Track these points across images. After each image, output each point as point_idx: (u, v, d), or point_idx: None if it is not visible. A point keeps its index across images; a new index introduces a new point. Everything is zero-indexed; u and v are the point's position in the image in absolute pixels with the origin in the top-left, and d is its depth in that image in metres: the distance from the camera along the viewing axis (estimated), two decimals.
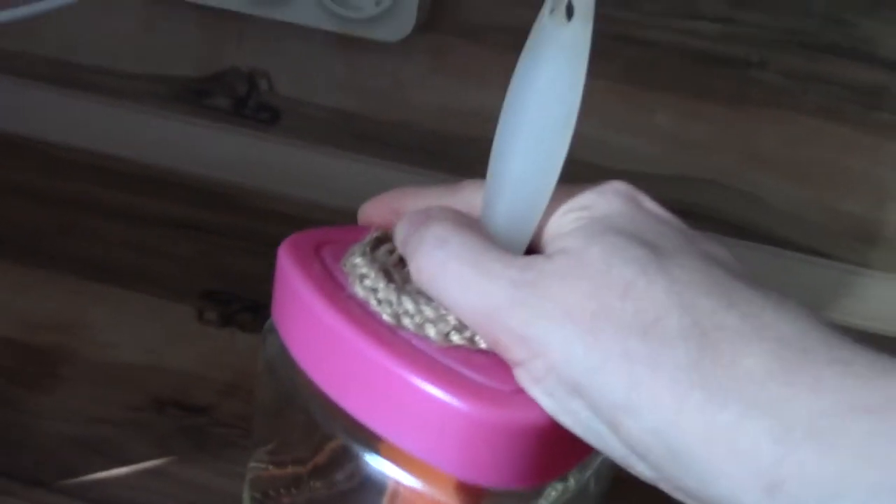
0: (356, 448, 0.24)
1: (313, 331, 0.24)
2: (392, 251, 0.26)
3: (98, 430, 0.33)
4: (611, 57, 0.49)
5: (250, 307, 0.42)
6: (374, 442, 0.24)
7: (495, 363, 0.23)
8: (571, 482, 0.25)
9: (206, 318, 0.41)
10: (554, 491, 0.24)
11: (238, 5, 0.49)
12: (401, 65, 0.51)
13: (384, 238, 0.26)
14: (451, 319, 0.23)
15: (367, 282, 0.24)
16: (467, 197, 0.26)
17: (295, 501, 0.30)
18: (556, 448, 0.22)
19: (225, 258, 0.45)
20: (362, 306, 0.24)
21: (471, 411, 0.21)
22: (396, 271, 0.25)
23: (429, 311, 0.23)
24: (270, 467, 0.30)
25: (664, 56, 0.49)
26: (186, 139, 0.53)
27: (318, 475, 0.30)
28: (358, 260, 0.25)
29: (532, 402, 0.22)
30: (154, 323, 0.40)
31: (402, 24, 0.48)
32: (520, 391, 0.22)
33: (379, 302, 0.24)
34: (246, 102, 0.53)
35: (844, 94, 0.48)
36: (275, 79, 0.53)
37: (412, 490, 0.24)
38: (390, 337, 0.23)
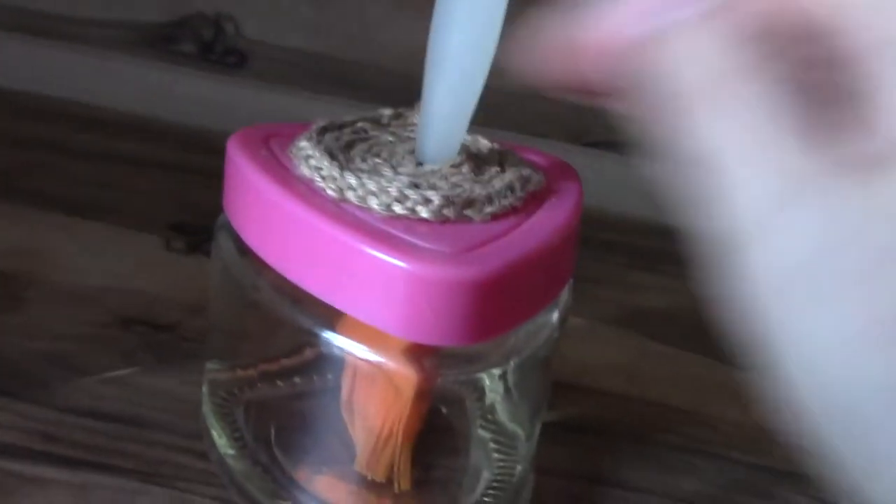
0: (311, 326, 0.25)
1: (262, 212, 0.25)
2: (338, 138, 0.26)
3: (63, 345, 0.34)
4: None
5: None
6: (327, 319, 0.25)
7: (436, 230, 0.23)
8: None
9: (174, 247, 0.41)
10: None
11: None
12: (366, 5, 0.51)
13: (330, 127, 0.27)
14: (392, 191, 0.24)
15: (312, 161, 0.25)
16: None
17: (253, 398, 0.30)
18: (497, 306, 0.23)
19: (192, 194, 0.45)
20: (308, 185, 0.25)
21: (414, 271, 0.22)
22: (341, 153, 0.25)
23: (371, 185, 0.24)
24: (227, 369, 0.30)
25: None
26: (153, 84, 0.53)
27: (275, 373, 0.31)
28: (303, 143, 0.26)
29: (473, 261, 0.22)
30: (121, 251, 0.40)
31: None
32: (460, 252, 0.23)
33: (323, 178, 0.24)
34: (212, 47, 0.54)
35: None
36: (241, 22, 0.53)
37: (369, 363, 0.25)
38: (335, 210, 0.24)
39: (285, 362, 0.30)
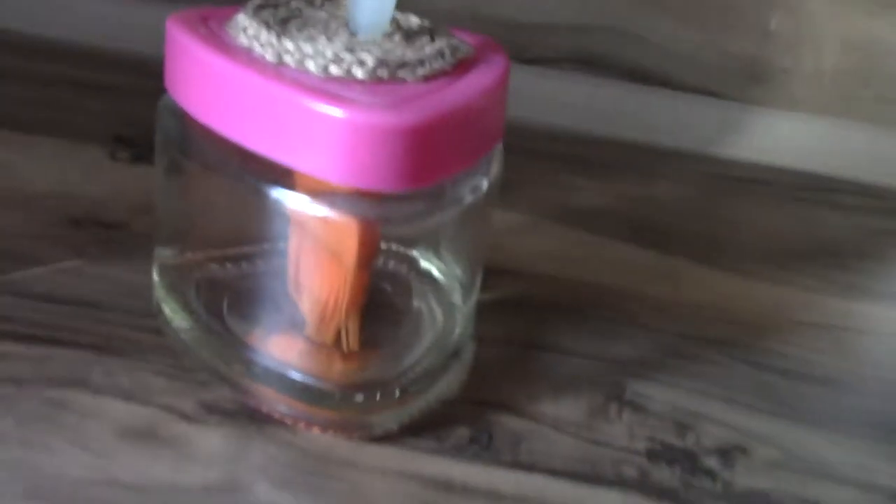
0: (257, 183, 0.26)
1: (204, 80, 0.26)
2: (274, 14, 0.28)
3: (13, 242, 0.34)
4: None
5: None
6: (273, 177, 0.26)
7: (371, 89, 0.25)
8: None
9: (119, 157, 0.42)
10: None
11: None
12: None
13: (266, 4, 0.28)
14: (328, 54, 0.25)
15: (250, 31, 0.26)
16: None
17: (203, 278, 0.31)
18: (432, 152, 0.24)
19: (133, 112, 0.46)
20: (247, 53, 0.26)
21: (354, 119, 0.23)
22: (277, 25, 0.27)
23: (308, 48, 0.25)
24: (176, 253, 0.32)
25: None
26: (91, 11, 0.54)
27: (224, 256, 0.32)
28: (241, 17, 0.27)
29: (408, 110, 0.24)
30: (65, 162, 0.41)
31: None
32: (396, 103, 0.24)
33: (261, 45, 0.26)
34: None
35: None
36: None
37: (314, 219, 0.26)
38: (275, 72, 0.25)
39: (232, 249, 0.31)
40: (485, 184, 0.28)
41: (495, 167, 0.29)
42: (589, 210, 0.44)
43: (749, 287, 0.40)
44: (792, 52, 0.52)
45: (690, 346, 0.35)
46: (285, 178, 0.26)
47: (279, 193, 0.26)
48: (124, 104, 0.47)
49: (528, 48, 0.53)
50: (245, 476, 0.26)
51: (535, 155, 0.48)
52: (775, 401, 0.33)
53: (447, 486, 0.27)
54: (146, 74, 0.50)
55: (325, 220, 0.26)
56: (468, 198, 0.28)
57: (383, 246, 0.32)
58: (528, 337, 0.34)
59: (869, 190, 0.51)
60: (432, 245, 0.32)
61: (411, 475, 0.27)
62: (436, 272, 0.32)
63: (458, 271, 0.32)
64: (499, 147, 0.29)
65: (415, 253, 0.33)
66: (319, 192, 0.25)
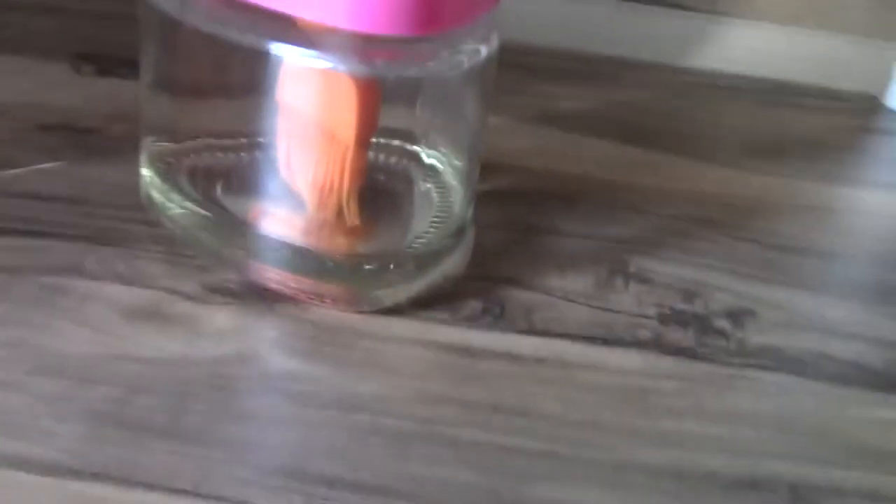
0: (261, 40, 0.25)
1: None
2: None
3: None
4: None
5: (128, 63, 0.41)
6: (272, 33, 0.25)
7: None
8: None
9: (84, 72, 0.40)
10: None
11: None
12: None
13: None
14: None
15: None
16: None
17: (195, 164, 0.30)
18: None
19: (92, 31, 0.44)
20: None
21: None
22: None
23: None
24: (166, 140, 0.30)
25: None
26: None
27: (215, 145, 0.31)
28: None
29: None
30: (31, 77, 0.39)
31: None
32: None
33: None
34: None
35: None
36: None
37: (314, 87, 0.26)
38: None
39: (225, 132, 0.30)
40: (484, 50, 0.28)
41: (493, 37, 0.28)
42: (567, 113, 0.44)
43: (733, 176, 0.40)
44: None
45: (686, 227, 0.35)
46: (284, 34, 0.25)
47: (279, 47, 0.25)
48: (81, 24, 0.45)
49: None
50: (258, 348, 0.25)
51: (511, 67, 0.47)
52: (776, 271, 0.33)
53: (467, 351, 0.27)
54: None
55: (325, 87, 0.25)
56: (466, 62, 0.27)
57: (382, 141, 0.31)
58: (526, 222, 0.34)
59: (832, 93, 0.51)
60: (428, 130, 0.31)
61: (428, 342, 0.27)
62: (434, 161, 0.32)
63: (453, 156, 0.31)
64: (497, 19, 0.28)
65: (413, 143, 0.32)
66: (321, 44, 0.24)
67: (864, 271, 0.35)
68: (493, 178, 0.36)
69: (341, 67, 0.25)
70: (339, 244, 0.28)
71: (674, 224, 0.35)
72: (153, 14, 0.28)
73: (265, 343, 0.26)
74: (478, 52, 0.27)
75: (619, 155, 0.40)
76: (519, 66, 0.48)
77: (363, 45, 0.24)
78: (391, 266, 0.28)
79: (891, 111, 0.51)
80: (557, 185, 0.37)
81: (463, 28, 0.26)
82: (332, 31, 0.24)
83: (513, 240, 0.33)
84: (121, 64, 0.41)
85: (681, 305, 0.30)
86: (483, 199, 0.32)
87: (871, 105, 0.51)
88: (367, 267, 0.28)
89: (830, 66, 0.54)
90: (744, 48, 0.54)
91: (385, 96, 0.27)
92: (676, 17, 0.54)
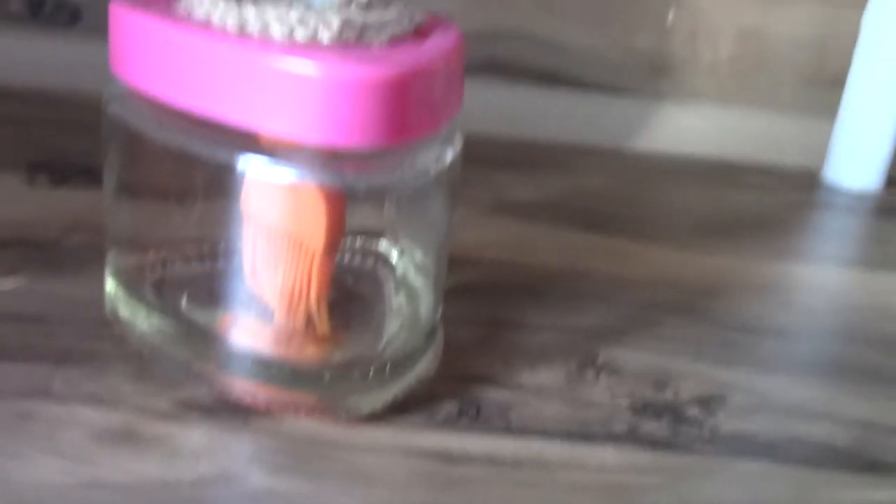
0: (224, 153, 0.25)
1: (165, 56, 0.25)
2: None
3: None
4: None
5: (82, 171, 0.41)
6: (238, 146, 0.25)
7: (338, 51, 0.24)
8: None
9: (38, 182, 0.40)
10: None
11: None
12: None
13: None
14: (293, 17, 0.25)
15: (206, 4, 0.25)
16: None
17: (160, 277, 0.30)
18: (399, 109, 0.24)
19: (44, 141, 0.44)
20: (206, 25, 0.25)
21: (329, 73, 0.23)
22: None
23: (270, 13, 0.25)
24: (131, 253, 0.30)
25: None
26: None
27: (180, 254, 0.31)
28: None
29: (376, 65, 0.24)
30: None
31: None
32: (368, 60, 0.24)
33: (221, 16, 0.25)
34: (42, 4, 0.52)
35: None
36: None
37: (281, 198, 0.26)
38: (239, 39, 0.24)
39: (189, 243, 0.30)
40: (448, 155, 0.28)
41: (457, 141, 0.29)
42: (525, 203, 0.45)
43: (689, 258, 0.41)
44: (690, 45, 0.55)
45: (649, 313, 0.36)
46: (249, 146, 0.25)
47: (244, 158, 0.25)
48: (31, 133, 0.45)
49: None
50: (237, 467, 0.25)
51: (465, 158, 0.48)
52: (739, 352, 0.34)
53: (446, 457, 0.26)
54: (46, 104, 0.48)
55: (291, 198, 0.26)
56: (432, 168, 0.27)
57: (349, 241, 0.31)
58: (493, 316, 0.34)
59: (773, 169, 0.53)
60: (395, 231, 0.32)
61: (408, 450, 0.26)
62: (400, 260, 0.32)
63: (421, 256, 0.32)
64: (459, 123, 0.28)
65: (379, 244, 0.32)
66: (287, 158, 0.25)
67: (821, 347, 0.35)
68: (458, 274, 0.36)
69: (308, 180, 0.25)
70: (310, 353, 0.28)
71: (637, 311, 0.36)
72: (116, 127, 0.28)
73: (243, 461, 0.25)
74: (443, 156, 0.28)
75: (578, 243, 0.41)
76: (473, 158, 0.49)
77: (330, 159, 0.25)
78: (365, 373, 0.28)
79: (829, 185, 0.53)
80: (522, 276, 0.37)
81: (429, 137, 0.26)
82: (298, 146, 0.24)
83: (482, 336, 0.33)
84: (76, 172, 0.41)
85: (652, 395, 0.30)
86: (449, 296, 0.32)
87: (810, 180, 0.53)
88: (341, 375, 0.27)
89: (769, 143, 0.56)
90: (687, 129, 0.56)
91: (351, 199, 0.28)
92: (621, 102, 0.56)
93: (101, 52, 0.51)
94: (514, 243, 0.40)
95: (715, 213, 0.47)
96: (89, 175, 0.41)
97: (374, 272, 0.32)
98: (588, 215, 0.44)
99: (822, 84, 0.55)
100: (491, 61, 0.54)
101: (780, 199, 0.50)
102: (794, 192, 0.51)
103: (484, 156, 0.50)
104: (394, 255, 0.32)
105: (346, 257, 0.32)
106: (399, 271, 0.32)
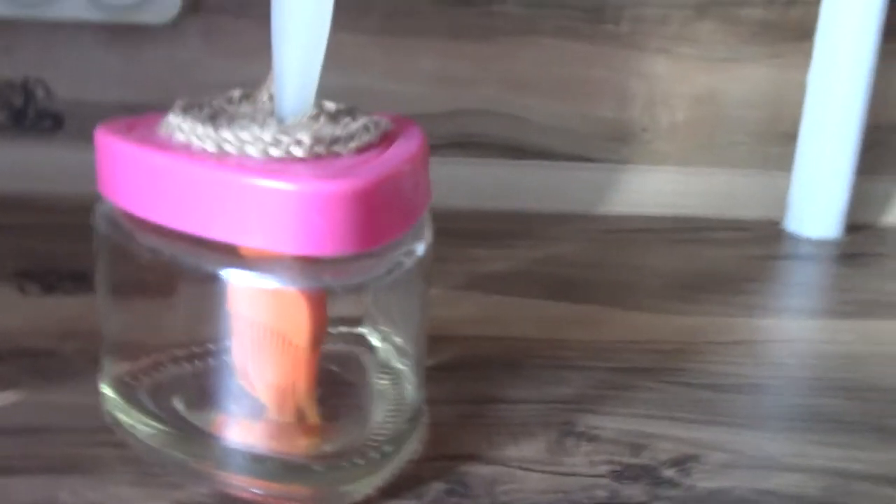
0: (208, 266, 0.27)
1: (149, 179, 0.27)
2: (200, 112, 0.29)
3: None
4: (367, 11, 0.54)
5: (71, 276, 0.43)
6: (222, 259, 0.27)
7: (310, 165, 0.26)
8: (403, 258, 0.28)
9: (28, 291, 0.41)
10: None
11: (2, 10, 0.50)
12: (175, 49, 0.53)
13: (190, 105, 0.29)
14: (267, 137, 0.26)
15: (185, 128, 0.27)
16: None
17: (155, 381, 0.31)
18: (373, 215, 0.26)
19: (33, 247, 0.46)
20: (185, 148, 0.27)
21: (300, 190, 0.25)
22: (209, 121, 0.28)
23: (246, 135, 0.27)
24: (125, 360, 0.32)
25: (416, 3, 0.54)
26: None
27: (172, 356, 0.32)
28: (172, 118, 0.28)
29: (349, 176, 0.25)
30: None
31: (167, 6, 0.51)
32: (339, 173, 0.26)
33: (200, 139, 0.27)
34: (25, 113, 0.54)
35: (576, 15, 0.55)
36: (51, 84, 0.54)
37: (264, 301, 0.27)
38: (218, 160, 0.26)
39: (181, 347, 0.31)
40: (420, 248, 0.30)
41: (427, 233, 0.31)
42: (497, 276, 0.47)
43: (660, 320, 0.43)
44: (648, 112, 0.57)
45: (623, 378, 0.37)
46: (232, 260, 0.27)
47: (228, 272, 0.27)
48: (19, 242, 0.46)
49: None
50: None
51: (435, 235, 0.50)
52: (711, 412, 0.35)
53: None
54: (34, 210, 0.50)
55: (274, 300, 0.27)
56: (406, 262, 0.29)
57: (331, 330, 0.33)
58: (476, 392, 0.36)
59: (736, 224, 0.56)
60: (375, 317, 0.33)
61: None
62: (382, 345, 0.33)
63: (401, 341, 0.33)
64: (427, 214, 0.30)
65: (360, 330, 0.34)
66: (266, 267, 0.26)
67: (790, 399, 0.37)
68: (436, 352, 0.38)
69: (289, 286, 0.27)
70: (302, 445, 0.30)
71: (611, 377, 0.37)
72: (105, 243, 0.30)
73: None
74: (416, 248, 0.30)
75: (552, 312, 0.43)
76: (444, 233, 0.51)
77: (309, 265, 0.26)
78: (355, 461, 0.29)
79: (791, 235, 0.55)
80: (498, 350, 0.39)
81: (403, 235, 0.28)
82: (278, 256, 0.26)
83: (464, 413, 0.34)
84: (64, 278, 0.42)
85: (630, 460, 0.32)
86: (431, 375, 0.33)
87: (773, 231, 0.56)
88: (333, 465, 0.29)
89: (730, 199, 0.58)
90: (651, 192, 0.58)
91: (330, 295, 0.29)
92: (587, 170, 0.58)
93: (84, 158, 0.53)
94: (489, 317, 0.42)
95: (683, 271, 0.49)
96: (79, 281, 0.42)
97: (356, 358, 0.34)
98: (561, 283, 0.46)
99: (776, 139, 0.58)
100: (459, 138, 0.57)
101: (744, 252, 0.52)
102: (758, 244, 0.54)
103: (455, 230, 0.51)
104: (374, 340, 0.34)
105: (329, 345, 0.33)
106: (381, 356, 0.34)
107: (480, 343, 0.39)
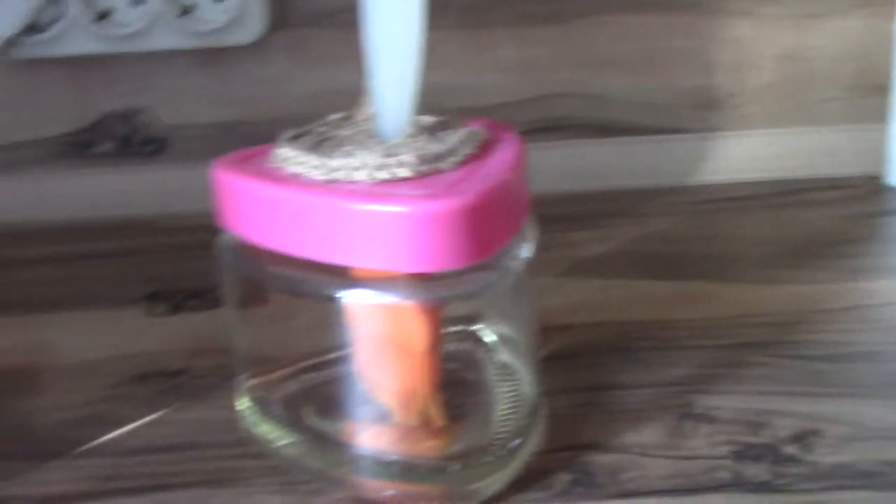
0: (327, 290, 0.28)
1: (265, 210, 0.29)
2: (309, 139, 0.30)
3: (91, 409, 0.36)
4: (445, 8, 0.55)
5: (195, 295, 0.45)
6: (340, 282, 0.28)
7: (417, 184, 0.27)
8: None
9: (157, 312, 0.44)
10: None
11: (101, 47, 0.52)
12: (263, 66, 0.55)
13: (296, 135, 0.31)
14: (373, 162, 0.28)
15: (297, 158, 0.29)
16: None
17: (286, 393, 0.33)
18: (481, 229, 0.27)
19: (154, 269, 0.48)
20: (297, 178, 0.29)
21: (413, 211, 0.26)
22: (316, 149, 0.29)
23: (354, 161, 0.28)
24: (257, 376, 0.34)
25: None
26: (82, 188, 0.56)
27: (299, 369, 0.34)
28: (282, 150, 0.30)
29: (457, 194, 0.27)
30: (110, 328, 0.42)
31: (253, 26, 0.53)
32: (444, 191, 0.27)
33: (312, 168, 0.28)
34: (130, 141, 0.57)
35: None
36: (151, 111, 0.56)
37: (382, 312, 0.29)
38: (329, 188, 0.28)
39: (308, 359, 0.33)
40: (527, 250, 0.31)
41: (532, 233, 0.32)
42: (596, 259, 0.47)
43: (766, 291, 0.43)
44: (734, 77, 0.57)
45: (735, 355, 0.38)
46: (349, 279, 0.28)
47: (346, 294, 0.28)
48: (141, 264, 0.49)
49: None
50: None
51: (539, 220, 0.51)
52: (829, 383, 0.35)
53: None
54: (147, 233, 0.53)
55: (391, 312, 0.29)
56: (515, 265, 0.30)
57: (446, 328, 0.34)
58: (588, 381, 0.36)
59: (835, 182, 0.55)
60: (487, 314, 0.35)
61: None
62: (495, 340, 0.35)
63: (514, 335, 0.34)
64: (530, 215, 0.31)
65: (476, 329, 0.35)
66: (383, 285, 0.28)
67: None
68: (546, 342, 0.39)
69: (404, 301, 0.28)
70: (430, 447, 0.31)
71: (723, 354, 0.38)
72: (229, 271, 0.32)
73: None
74: (521, 253, 0.30)
75: (654, 292, 0.43)
76: (542, 219, 0.51)
77: (422, 282, 0.28)
78: (483, 459, 0.30)
79: (893, 189, 0.54)
80: (607, 336, 0.40)
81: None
82: (392, 274, 0.27)
83: (580, 402, 0.35)
84: (189, 297, 0.45)
85: (749, 439, 0.32)
86: (545, 366, 0.34)
87: (874, 186, 0.54)
88: (462, 464, 0.30)
89: (826, 157, 0.57)
90: (744, 157, 0.58)
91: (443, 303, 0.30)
92: (673, 141, 0.58)
93: (187, 176, 0.56)
94: (594, 302, 0.43)
95: (784, 237, 0.49)
96: (202, 298, 0.44)
97: (472, 355, 0.35)
98: (661, 261, 0.46)
99: (869, 92, 0.57)
100: (544, 123, 0.57)
101: (846, 211, 0.51)
102: (859, 201, 0.53)
103: (550, 216, 0.52)
104: (488, 336, 0.35)
105: (444, 345, 0.35)
106: (496, 353, 0.35)
107: (588, 330, 0.40)
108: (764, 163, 0.57)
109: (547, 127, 0.57)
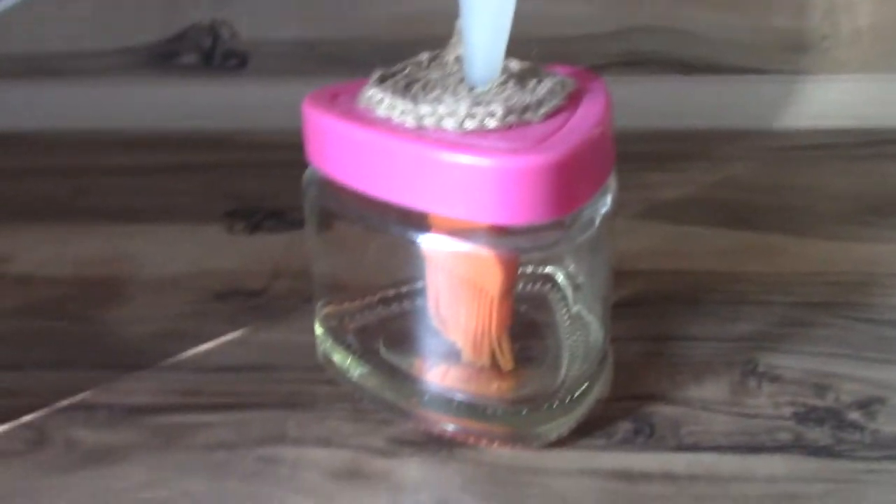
0: (408, 234, 0.29)
1: (353, 151, 0.29)
2: (396, 83, 0.31)
3: (173, 323, 0.38)
4: None
5: (273, 214, 0.46)
6: (421, 227, 0.29)
7: (504, 135, 0.28)
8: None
9: (236, 230, 0.45)
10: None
11: None
12: None
13: (385, 76, 0.31)
14: (462, 110, 0.28)
15: (386, 102, 0.29)
16: None
17: (360, 324, 0.35)
18: (568, 184, 0.27)
19: (233, 186, 0.50)
20: (387, 123, 0.29)
21: (502, 164, 0.26)
22: (405, 92, 0.30)
23: (443, 109, 0.28)
24: (334, 304, 0.35)
25: None
26: (164, 99, 0.57)
27: (376, 301, 0.35)
28: (372, 91, 0.30)
29: (545, 150, 0.27)
30: (190, 243, 0.44)
31: None
32: (532, 145, 0.27)
33: (401, 113, 0.29)
34: (213, 54, 0.57)
35: None
36: (235, 25, 0.57)
37: (459, 256, 0.29)
38: (418, 134, 0.28)
39: (382, 293, 0.34)
40: (608, 201, 0.31)
41: (613, 184, 0.32)
42: (673, 203, 0.47)
43: (841, 248, 0.42)
44: (828, 19, 0.55)
45: (804, 313, 0.38)
46: (428, 224, 0.29)
47: (426, 238, 0.29)
48: (218, 180, 0.50)
49: (578, 58, 0.56)
50: (453, 495, 0.29)
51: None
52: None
53: (628, 476, 0.30)
54: (227, 148, 0.54)
55: (469, 257, 0.29)
56: (597, 219, 0.30)
57: (521, 269, 0.35)
58: (654, 330, 0.37)
59: None
60: (566, 264, 0.35)
61: (593, 472, 0.30)
62: (571, 287, 0.35)
63: (591, 283, 0.35)
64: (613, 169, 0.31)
65: (550, 271, 0.35)
66: (462, 233, 0.28)
67: None
68: (617, 288, 0.39)
69: (483, 250, 0.29)
70: (498, 388, 0.32)
71: (791, 312, 0.38)
72: (313, 205, 0.32)
73: (456, 490, 0.29)
74: (603, 206, 0.31)
75: (730, 242, 0.43)
76: (620, 157, 0.51)
77: (503, 234, 0.28)
78: (549, 403, 0.31)
79: None
80: (678, 285, 0.40)
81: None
82: (472, 225, 0.28)
83: (646, 351, 0.36)
84: (266, 217, 0.46)
85: (813, 401, 0.33)
86: (612, 312, 0.35)
87: None
88: (528, 407, 0.31)
89: None
90: (831, 103, 0.56)
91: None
92: (759, 82, 0.57)
93: (268, 94, 0.56)
94: (667, 249, 0.43)
95: (865, 192, 0.48)
96: (279, 219, 0.46)
97: (544, 297, 0.36)
98: (737, 209, 0.46)
99: None
100: (628, 57, 0.56)
101: None
102: None
103: (628, 154, 0.51)
104: (561, 279, 0.36)
105: (519, 285, 0.35)
106: (569, 297, 0.35)
107: (660, 277, 0.40)
108: (851, 109, 0.56)
109: (630, 61, 0.56)
